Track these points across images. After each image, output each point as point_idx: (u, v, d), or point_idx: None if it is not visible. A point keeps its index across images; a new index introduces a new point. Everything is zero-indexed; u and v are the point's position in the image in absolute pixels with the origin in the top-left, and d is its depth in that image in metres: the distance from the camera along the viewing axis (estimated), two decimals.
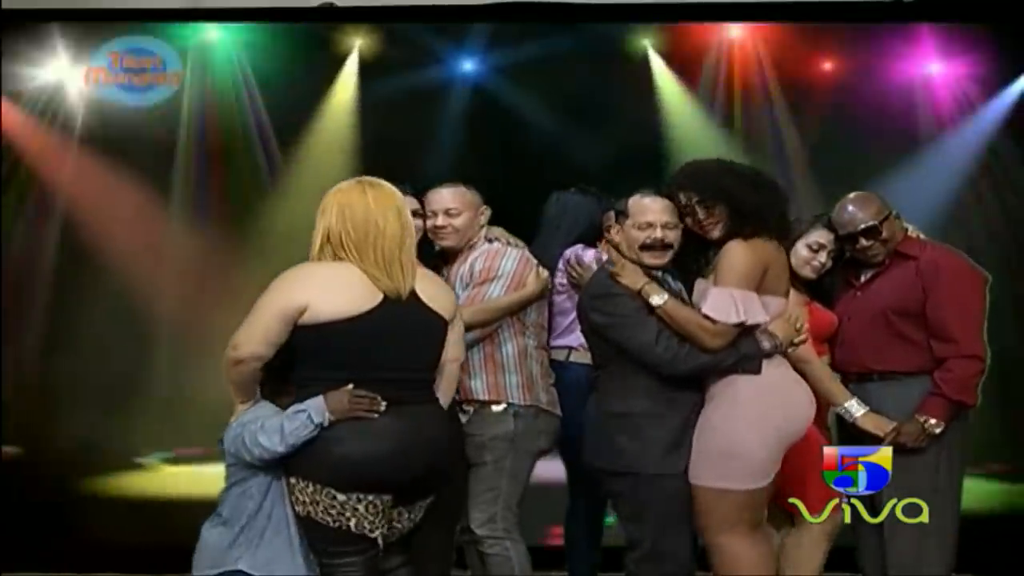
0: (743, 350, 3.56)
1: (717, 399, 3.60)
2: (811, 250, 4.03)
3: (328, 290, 3.25)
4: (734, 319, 3.52)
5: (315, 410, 3.21)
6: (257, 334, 3.24)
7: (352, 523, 3.25)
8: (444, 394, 3.46)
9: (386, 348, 3.27)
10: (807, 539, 3.87)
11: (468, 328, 3.85)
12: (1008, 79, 6.13)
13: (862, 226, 3.96)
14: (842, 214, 4.00)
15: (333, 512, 3.24)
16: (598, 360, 3.76)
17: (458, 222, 4.07)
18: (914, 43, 6.15)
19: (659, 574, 3.62)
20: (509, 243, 4.13)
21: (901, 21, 6.10)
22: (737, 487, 3.54)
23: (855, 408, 3.89)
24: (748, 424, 3.54)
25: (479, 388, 3.99)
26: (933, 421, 3.83)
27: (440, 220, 4.04)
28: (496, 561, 3.93)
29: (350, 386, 3.23)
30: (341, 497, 3.23)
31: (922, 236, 4.10)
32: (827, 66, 6.25)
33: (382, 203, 3.32)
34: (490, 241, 4.13)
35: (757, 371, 3.57)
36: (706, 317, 3.53)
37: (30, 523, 5.94)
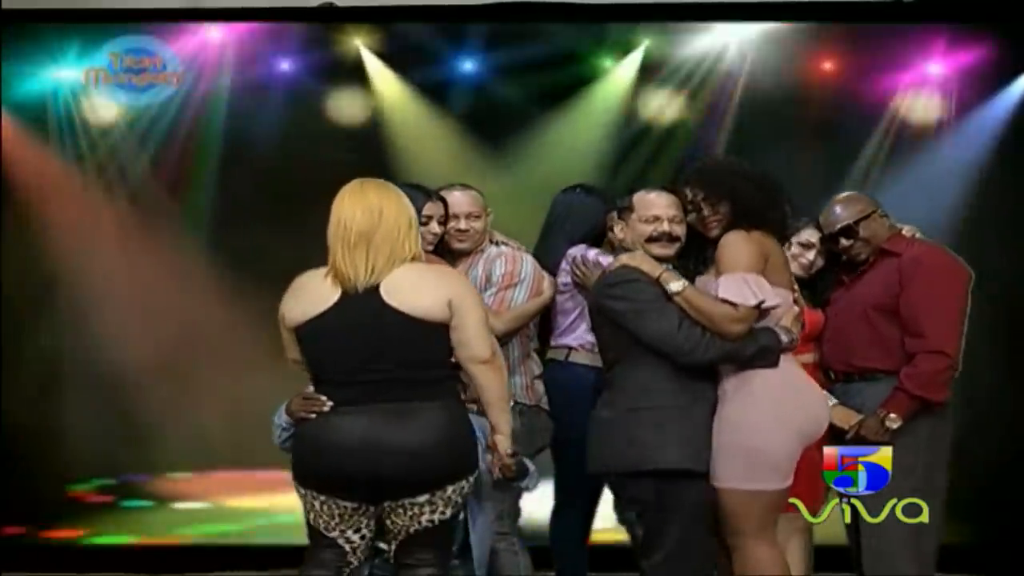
0: (762, 341, 3.52)
1: (733, 396, 3.55)
2: (802, 247, 4.06)
3: (295, 297, 3.35)
4: (752, 301, 3.48)
5: (279, 412, 3.41)
6: (284, 342, 3.41)
7: (311, 516, 3.33)
8: (484, 396, 3.35)
9: (341, 348, 3.27)
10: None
11: (503, 336, 3.90)
12: (1008, 79, 6.13)
13: (838, 226, 4.00)
14: (827, 214, 4.06)
15: (303, 504, 3.35)
16: (612, 356, 3.68)
17: (478, 225, 4.09)
18: (914, 43, 6.16)
19: None
20: (520, 247, 4.18)
21: (901, 21, 6.09)
22: (767, 487, 3.51)
23: None
24: (771, 422, 3.51)
25: None
26: (893, 416, 3.80)
27: (463, 224, 4.06)
28: (505, 557, 3.93)
29: (310, 388, 3.33)
30: (301, 491, 3.32)
31: (918, 235, 4.10)
32: (826, 66, 6.26)
33: (354, 200, 3.31)
34: (495, 244, 4.15)
35: (775, 364, 3.54)
36: (724, 302, 3.50)
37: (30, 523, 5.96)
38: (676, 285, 3.54)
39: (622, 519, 4.25)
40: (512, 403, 3.94)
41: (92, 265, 6.12)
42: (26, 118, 6.11)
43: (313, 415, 3.28)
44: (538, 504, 4.31)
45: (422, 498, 3.25)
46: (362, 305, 3.25)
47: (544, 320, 4.23)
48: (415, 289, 3.27)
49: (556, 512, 4.36)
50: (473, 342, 3.30)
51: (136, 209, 6.23)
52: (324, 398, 3.28)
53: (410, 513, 3.27)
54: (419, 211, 3.87)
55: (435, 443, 3.23)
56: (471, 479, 3.32)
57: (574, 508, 4.31)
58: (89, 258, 6.13)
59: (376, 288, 3.25)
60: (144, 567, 5.83)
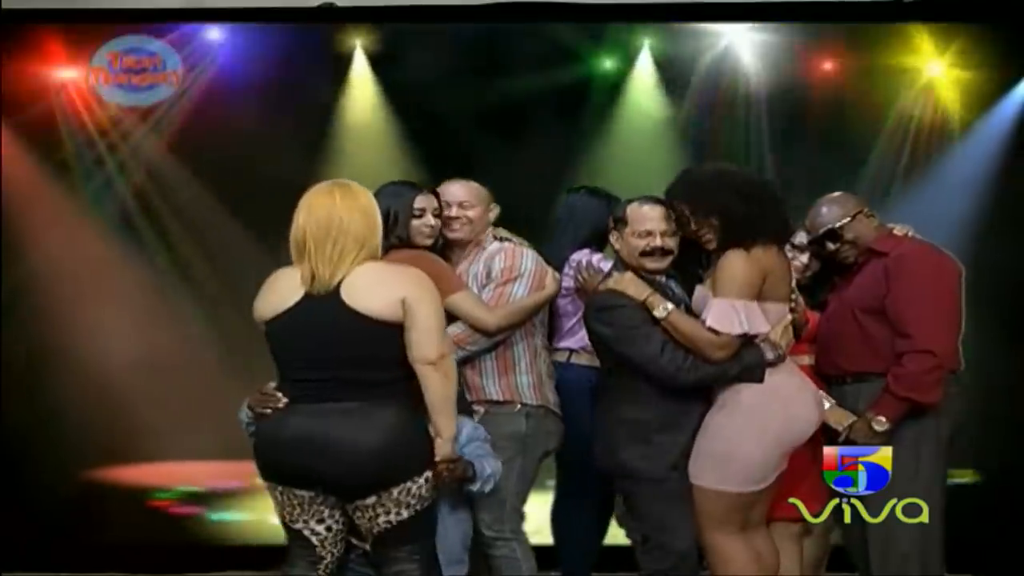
0: (746, 360, 3.58)
1: (721, 403, 3.62)
2: (794, 249, 4.04)
3: (265, 293, 3.38)
4: (736, 330, 3.53)
5: (243, 408, 3.45)
6: None
7: (277, 509, 3.36)
8: (427, 398, 3.29)
9: (299, 346, 3.30)
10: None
11: (499, 331, 3.90)
12: (1010, 80, 6.12)
13: (822, 230, 3.99)
14: (812, 217, 4.04)
15: (271, 496, 3.37)
16: (606, 367, 3.80)
17: (471, 214, 4.06)
18: (914, 43, 6.16)
19: (663, 565, 3.67)
20: (522, 243, 4.12)
21: (901, 21, 6.09)
22: (731, 489, 3.58)
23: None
24: (748, 429, 3.56)
25: (492, 389, 3.97)
26: (881, 419, 3.76)
27: (454, 211, 4.04)
28: (504, 563, 3.92)
29: (271, 384, 3.36)
30: (264, 483, 3.36)
31: (911, 233, 4.05)
32: (826, 67, 6.26)
33: (321, 200, 3.32)
34: (500, 240, 4.12)
35: (760, 380, 3.59)
36: (709, 329, 3.53)
37: (30, 523, 5.96)
38: (661, 311, 3.59)
39: (620, 520, 4.28)
40: (519, 405, 3.97)
41: (90, 264, 6.12)
42: (26, 118, 6.11)
43: (268, 411, 3.32)
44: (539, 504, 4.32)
45: (370, 500, 3.25)
46: (321, 305, 3.27)
47: (548, 321, 4.22)
48: (371, 289, 3.27)
49: (555, 509, 4.38)
50: (420, 342, 3.26)
51: (135, 208, 6.24)
52: (279, 395, 3.32)
53: (368, 515, 3.27)
54: (410, 205, 3.91)
55: (376, 445, 3.22)
56: (420, 481, 3.28)
57: (575, 505, 4.33)
58: (88, 257, 6.13)
59: (336, 288, 3.26)
60: (144, 567, 5.83)
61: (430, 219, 3.95)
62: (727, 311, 3.53)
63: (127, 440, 6.15)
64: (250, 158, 6.16)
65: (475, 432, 3.60)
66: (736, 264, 3.57)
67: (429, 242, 3.96)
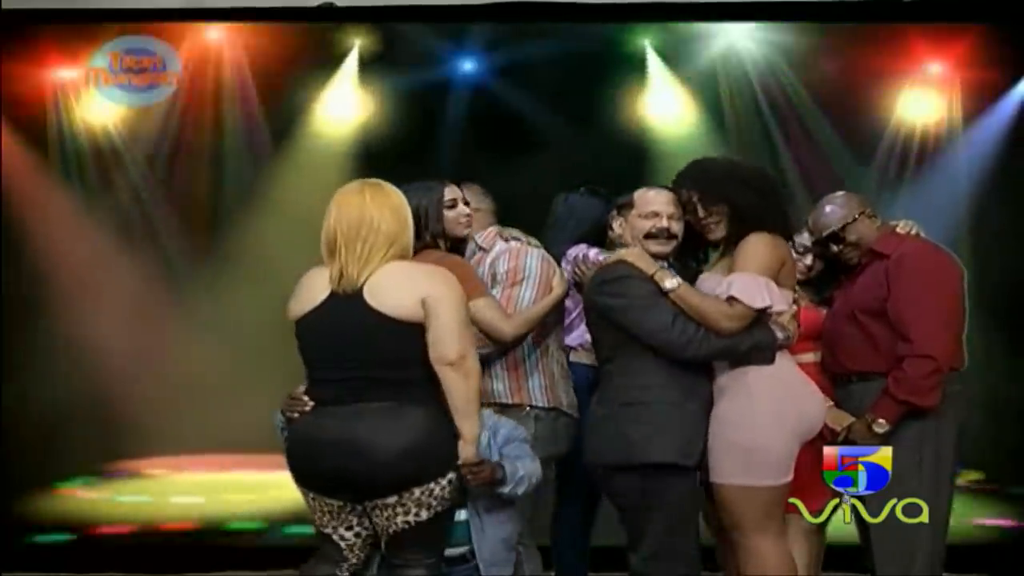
0: (757, 338, 3.56)
1: (730, 393, 3.59)
2: (797, 252, 4.04)
3: (296, 293, 3.37)
4: (759, 304, 3.52)
5: (275, 412, 3.43)
6: None
7: (310, 512, 3.36)
8: (449, 400, 3.26)
9: (323, 345, 3.30)
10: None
11: (515, 340, 3.85)
12: (1010, 81, 6.13)
13: (824, 233, 3.99)
14: (814, 218, 4.04)
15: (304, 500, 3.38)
16: (605, 353, 3.71)
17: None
18: (913, 43, 6.16)
19: (668, 574, 3.59)
20: (530, 243, 4.09)
21: (901, 21, 6.09)
22: (763, 483, 3.54)
23: None
24: (767, 419, 3.54)
25: (501, 391, 3.91)
26: (881, 421, 3.75)
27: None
28: None
29: (300, 387, 3.35)
30: (299, 488, 3.35)
31: (914, 231, 4.02)
32: (826, 67, 6.25)
33: (352, 200, 3.31)
34: (507, 240, 4.09)
35: (770, 361, 3.58)
36: (731, 299, 3.52)
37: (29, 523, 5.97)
38: (670, 283, 3.57)
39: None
40: (528, 408, 3.91)
41: (89, 263, 6.12)
42: (26, 118, 6.11)
43: (297, 414, 3.31)
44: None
45: (391, 499, 3.23)
46: (345, 304, 3.26)
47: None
48: (395, 288, 3.26)
49: (556, 512, 4.35)
50: (440, 342, 3.22)
51: (135, 208, 6.24)
52: (306, 398, 3.31)
53: (385, 514, 3.26)
54: (440, 199, 3.88)
55: (404, 445, 3.20)
56: (443, 482, 3.26)
57: (574, 508, 4.31)
58: (87, 256, 6.13)
59: (361, 288, 3.25)
60: (144, 567, 5.83)
61: (464, 208, 3.93)
62: (752, 283, 3.53)
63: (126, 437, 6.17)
64: (249, 158, 6.17)
65: (514, 432, 3.56)
66: (760, 245, 3.59)
67: (468, 231, 3.95)
